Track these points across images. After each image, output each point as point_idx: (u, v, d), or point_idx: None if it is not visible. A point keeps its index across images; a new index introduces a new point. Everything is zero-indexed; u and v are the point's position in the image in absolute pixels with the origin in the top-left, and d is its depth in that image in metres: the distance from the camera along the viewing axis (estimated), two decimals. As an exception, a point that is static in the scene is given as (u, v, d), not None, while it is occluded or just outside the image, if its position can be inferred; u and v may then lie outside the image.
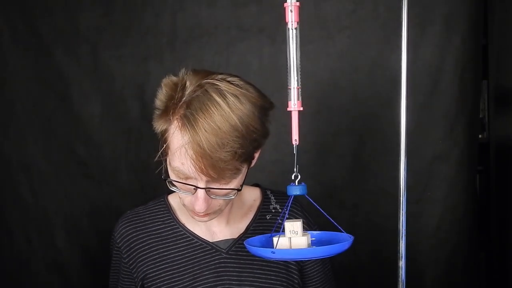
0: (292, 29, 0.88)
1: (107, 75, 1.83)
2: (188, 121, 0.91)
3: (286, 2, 0.88)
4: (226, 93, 0.92)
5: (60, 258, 1.87)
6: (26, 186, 1.86)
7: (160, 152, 0.97)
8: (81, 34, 1.82)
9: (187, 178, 0.95)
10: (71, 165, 1.86)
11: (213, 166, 0.91)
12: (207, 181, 0.94)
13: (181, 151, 0.92)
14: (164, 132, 0.96)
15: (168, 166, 0.97)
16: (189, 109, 0.91)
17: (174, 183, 0.98)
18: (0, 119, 1.85)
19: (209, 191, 0.96)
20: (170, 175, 0.98)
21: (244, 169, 0.97)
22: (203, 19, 1.80)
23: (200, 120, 0.90)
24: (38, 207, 1.86)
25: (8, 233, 1.86)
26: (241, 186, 0.98)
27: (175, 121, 0.94)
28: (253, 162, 1.02)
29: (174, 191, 1.00)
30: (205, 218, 1.02)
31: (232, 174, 0.94)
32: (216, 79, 0.94)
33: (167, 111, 0.94)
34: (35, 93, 1.84)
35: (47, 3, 1.82)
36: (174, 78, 0.97)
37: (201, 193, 0.95)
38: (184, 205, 1.03)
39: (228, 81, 0.94)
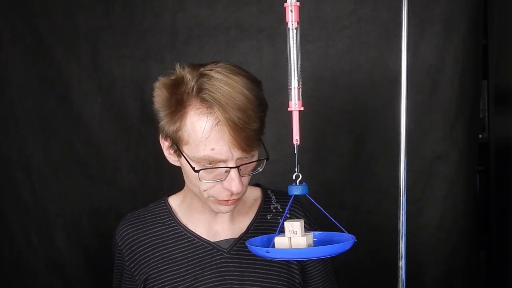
0: (292, 29, 0.88)
1: (107, 75, 1.83)
2: (211, 104, 0.92)
3: (286, 2, 0.88)
4: (227, 74, 0.95)
5: (60, 258, 1.86)
6: (26, 186, 1.86)
7: (180, 152, 0.97)
8: (81, 34, 1.82)
9: (216, 163, 0.96)
10: (71, 165, 1.85)
11: (247, 138, 0.93)
12: (237, 160, 0.96)
13: (210, 135, 0.93)
14: (179, 128, 0.96)
15: (191, 162, 0.97)
16: (205, 93, 0.93)
17: (205, 172, 0.97)
18: (0, 119, 1.85)
19: (240, 169, 0.97)
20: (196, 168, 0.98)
21: (261, 140, 1.00)
22: (203, 19, 1.80)
23: (222, 99, 0.92)
24: (38, 207, 1.86)
25: (8, 233, 1.86)
26: (267, 154, 1.01)
27: (192, 111, 0.94)
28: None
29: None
30: (233, 206, 1.03)
31: (258, 144, 0.98)
32: (211, 67, 0.97)
33: (178, 107, 0.95)
34: (35, 93, 1.84)
35: (47, 3, 1.82)
36: (171, 77, 0.98)
37: (235, 172, 0.96)
38: (208, 197, 1.02)
39: (220, 66, 0.98)
